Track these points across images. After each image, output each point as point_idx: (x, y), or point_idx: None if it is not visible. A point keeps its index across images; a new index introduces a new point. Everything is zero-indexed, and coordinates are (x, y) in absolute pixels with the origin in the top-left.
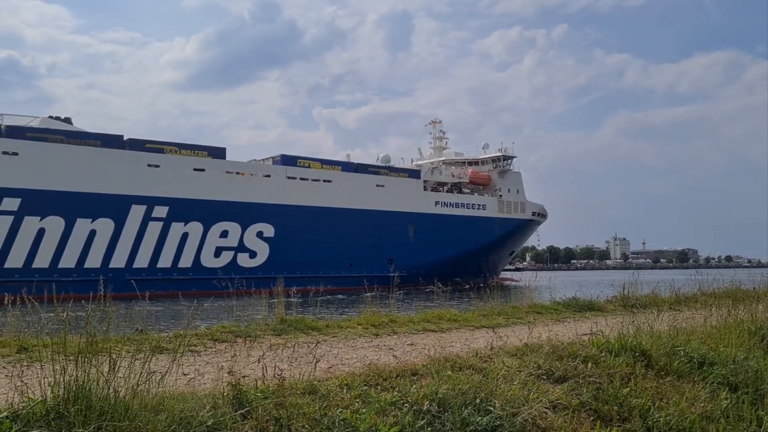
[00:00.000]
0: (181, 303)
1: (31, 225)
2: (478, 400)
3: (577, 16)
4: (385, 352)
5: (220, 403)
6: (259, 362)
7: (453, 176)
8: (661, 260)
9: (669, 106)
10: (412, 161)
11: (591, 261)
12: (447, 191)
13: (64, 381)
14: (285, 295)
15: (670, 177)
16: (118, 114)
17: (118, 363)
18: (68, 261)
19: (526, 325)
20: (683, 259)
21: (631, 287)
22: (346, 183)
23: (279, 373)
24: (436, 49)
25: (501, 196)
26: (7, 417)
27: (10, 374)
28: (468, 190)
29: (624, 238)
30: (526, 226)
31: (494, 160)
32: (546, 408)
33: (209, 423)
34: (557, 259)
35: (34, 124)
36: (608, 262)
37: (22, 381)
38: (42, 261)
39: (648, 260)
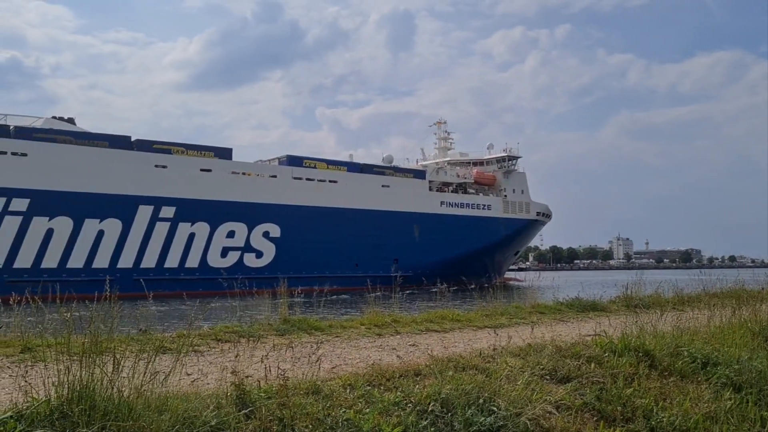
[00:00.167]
0: (186, 303)
1: (39, 225)
2: (481, 401)
3: (579, 16)
4: (388, 352)
5: (223, 403)
6: (262, 362)
7: (458, 176)
8: (665, 260)
9: (671, 106)
10: (417, 162)
11: (594, 261)
12: (452, 191)
13: (68, 381)
14: (289, 295)
15: (672, 177)
16: (120, 114)
17: (122, 363)
18: (76, 261)
19: (529, 325)
20: (686, 259)
21: (634, 287)
22: (352, 183)
23: (282, 373)
24: (438, 49)
25: (506, 196)
26: (11, 417)
27: (14, 374)
28: (473, 191)
29: (627, 239)
30: (530, 226)
31: (499, 160)
32: (549, 408)
33: (213, 423)
34: (560, 259)
35: (37, 124)
36: (611, 262)
37: (26, 381)
38: (50, 261)
39: (651, 260)
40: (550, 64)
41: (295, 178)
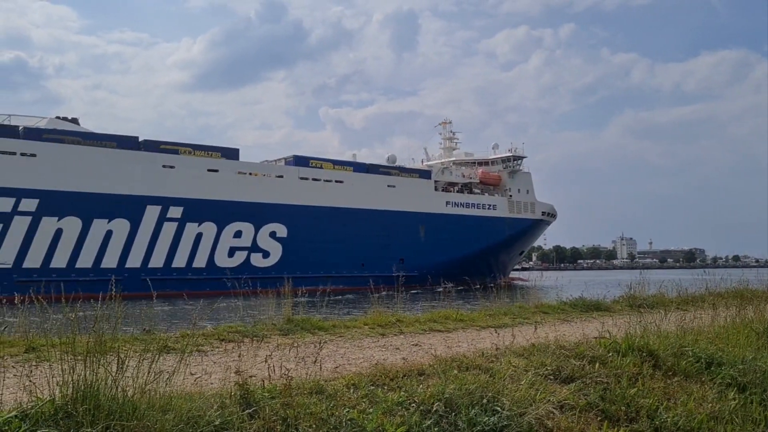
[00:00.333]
0: (190, 303)
1: (48, 225)
2: (485, 400)
3: (583, 16)
4: (391, 351)
5: (227, 403)
6: (266, 362)
7: (463, 176)
8: (668, 260)
9: (675, 105)
10: (421, 162)
11: (598, 261)
12: (457, 191)
13: (72, 380)
14: (294, 294)
15: (676, 176)
16: (124, 115)
17: (126, 363)
18: (85, 261)
19: (533, 325)
20: (690, 258)
21: (638, 287)
22: (358, 183)
23: (286, 372)
24: (442, 48)
25: (511, 196)
26: (16, 416)
27: (18, 374)
28: (478, 191)
29: (631, 238)
30: (535, 226)
31: (504, 160)
32: (553, 408)
33: (217, 422)
34: (564, 258)
35: (41, 124)
36: (615, 261)
37: (30, 380)
38: (60, 261)
39: (655, 260)
40: (554, 63)
41: (301, 179)
